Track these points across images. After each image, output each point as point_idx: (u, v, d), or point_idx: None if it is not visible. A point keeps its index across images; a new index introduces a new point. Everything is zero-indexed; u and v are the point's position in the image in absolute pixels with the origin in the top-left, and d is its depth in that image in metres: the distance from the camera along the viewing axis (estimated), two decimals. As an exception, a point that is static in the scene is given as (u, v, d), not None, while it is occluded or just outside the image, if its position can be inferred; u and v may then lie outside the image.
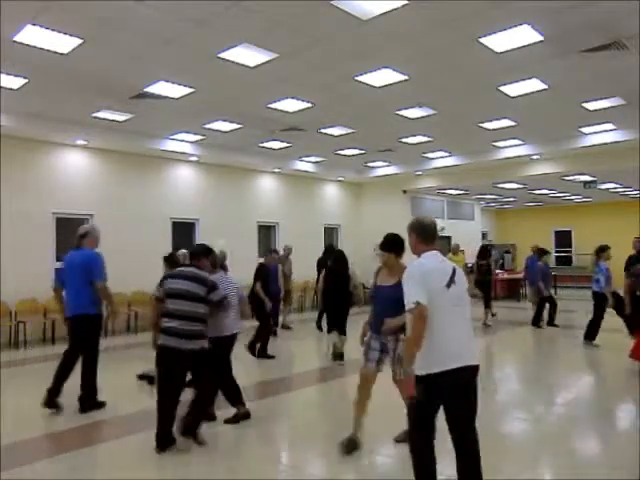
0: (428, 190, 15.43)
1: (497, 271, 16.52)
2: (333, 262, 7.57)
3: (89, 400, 5.02)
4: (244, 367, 6.30)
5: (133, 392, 5.99)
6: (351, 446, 3.88)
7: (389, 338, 3.92)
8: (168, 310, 4.06)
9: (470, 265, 12.27)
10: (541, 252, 10.26)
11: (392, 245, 3.96)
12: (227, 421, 4.58)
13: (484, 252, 10.86)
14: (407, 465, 3.44)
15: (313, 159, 12.91)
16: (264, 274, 7.93)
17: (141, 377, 6.09)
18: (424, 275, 2.80)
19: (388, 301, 3.80)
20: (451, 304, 2.83)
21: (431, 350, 2.74)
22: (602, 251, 8.20)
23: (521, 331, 10.06)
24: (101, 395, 5.60)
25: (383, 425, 4.49)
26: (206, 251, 4.48)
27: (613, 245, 8.49)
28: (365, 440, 4.02)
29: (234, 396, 4.64)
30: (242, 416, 4.60)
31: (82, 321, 5.03)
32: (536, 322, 10.02)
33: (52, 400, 4.94)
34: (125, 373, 6.52)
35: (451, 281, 2.86)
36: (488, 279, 10.63)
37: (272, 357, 7.43)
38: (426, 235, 3.00)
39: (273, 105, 8.09)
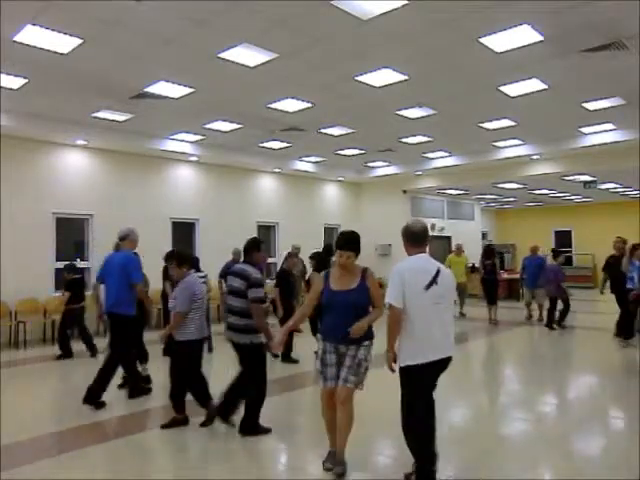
0: (428, 190, 15.43)
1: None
2: (316, 263, 6.91)
3: (97, 394, 5.08)
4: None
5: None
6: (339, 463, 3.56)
7: (351, 347, 3.46)
8: (227, 306, 4.38)
9: (470, 265, 12.30)
10: (555, 253, 10.15)
11: (355, 243, 3.55)
12: (203, 424, 4.48)
13: (489, 252, 11.05)
14: (407, 466, 3.45)
15: (313, 159, 12.91)
16: (286, 280, 7.50)
17: (121, 386, 5.81)
18: (402, 275, 3.14)
19: (350, 307, 3.44)
20: (432, 302, 3.14)
21: (412, 344, 3.14)
22: (635, 249, 7.97)
23: (520, 331, 10.06)
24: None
25: (383, 426, 4.49)
26: (256, 245, 4.53)
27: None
28: (367, 440, 4.02)
29: (203, 397, 4.58)
30: (214, 413, 4.53)
31: (119, 321, 5.21)
32: (562, 320, 9.80)
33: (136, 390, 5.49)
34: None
35: (433, 281, 3.15)
36: (493, 278, 10.80)
37: (296, 361, 7.22)
38: (415, 239, 3.32)
39: (273, 105, 8.09)
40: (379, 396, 5.48)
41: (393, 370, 3.20)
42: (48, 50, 5.81)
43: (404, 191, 15.16)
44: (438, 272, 3.18)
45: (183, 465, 3.85)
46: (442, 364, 3.19)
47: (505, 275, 15.92)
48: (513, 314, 11.85)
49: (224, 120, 9.07)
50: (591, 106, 8.35)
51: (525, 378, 6.69)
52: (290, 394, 5.88)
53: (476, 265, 12.49)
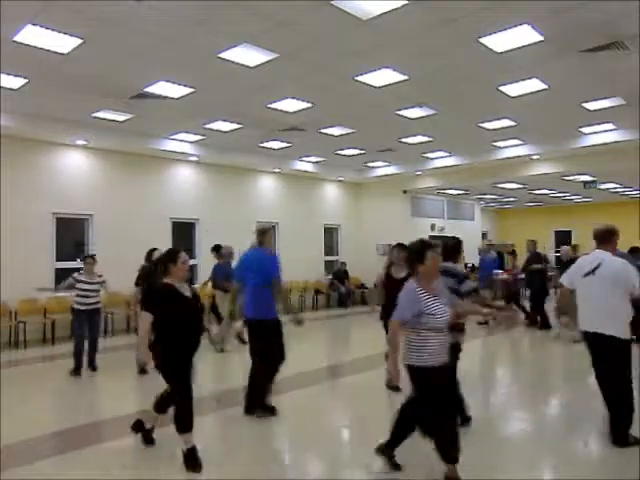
0: (428, 190, 15.43)
1: (496, 271, 16.51)
2: None
3: (254, 401, 4.85)
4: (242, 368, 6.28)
5: (133, 392, 5.99)
6: None
7: None
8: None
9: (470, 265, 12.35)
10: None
11: None
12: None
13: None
14: (403, 468, 3.45)
15: (313, 159, 12.91)
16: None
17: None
18: (577, 264, 4.28)
19: None
20: (589, 286, 4.12)
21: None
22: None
23: (519, 330, 10.06)
24: (101, 395, 5.61)
25: (381, 426, 4.48)
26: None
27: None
28: (367, 441, 4.02)
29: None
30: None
31: (272, 325, 4.87)
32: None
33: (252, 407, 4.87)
34: (124, 373, 6.52)
35: (591, 272, 4.04)
36: None
37: None
38: (595, 238, 4.25)
39: (273, 105, 8.09)
40: (381, 396, 5.49)
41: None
42: (48, 50, 5.81)
43: (404, 191, 15.16)
44: (598, 265, 4.00)
45: (180, 465, 3.84)
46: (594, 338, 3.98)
47: (505, 275, 15.91)
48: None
49: (224, 120, 9.07)
50: (591, 106, 8.34)
51: (524, 377, 6.69)
52: (293, 393, 5.86)
53: (475, 265, 12.55)
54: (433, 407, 3.24)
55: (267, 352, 4.84)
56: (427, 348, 3.21)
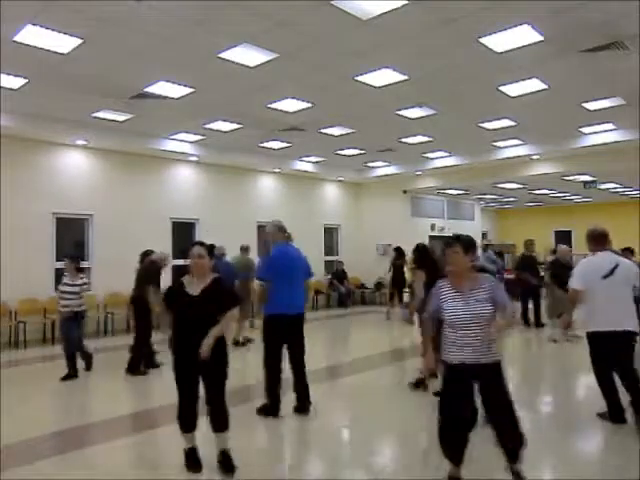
0: (428, 190, 15.43)
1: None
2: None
3: (308, 398, 4.88)
4: (242, 369, 6.29)
5: (132, 392, 5.99)
6: None
7: None
8: None
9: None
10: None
11: None
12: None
13: (400, 252, 11.91)
14: (403, 467, 3.44)
15: (313, 159, 12.91)
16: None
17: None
18: (584, 267, 4.59)
19: None
20: (607, 288, 4.32)
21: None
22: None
23: (517, 330, 10.05)
24: (100, 395, 5.59)
25: (381, 426, 4.48)
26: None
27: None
28: (367, 441, 4.01)
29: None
30: None
31: (301, 320, 4.88)
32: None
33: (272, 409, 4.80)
34: (124, 373, 6.50)
35: (610, 273, 4.28)
36: (401, 279, 11.76)
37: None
38: (591, 240, 4.82)
39: (273, 105, 8.09)
40: (381, 398, 5.49)
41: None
42: (48, 50, 5.81)
43: (404, 191, 15.16)
44: (616, 266, 4.28)
45: (181, 466, 3.84)
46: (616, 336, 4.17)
47: (505, 275, 15.91)
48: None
49: (224, 120, 9.07)
50: (591, 106, 8.35)
51: (523, 377, 6.69)
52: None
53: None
54: (441, 404, 3.26)
55: (280, 349, 4.83)
56: (446, 344, 3.22)
